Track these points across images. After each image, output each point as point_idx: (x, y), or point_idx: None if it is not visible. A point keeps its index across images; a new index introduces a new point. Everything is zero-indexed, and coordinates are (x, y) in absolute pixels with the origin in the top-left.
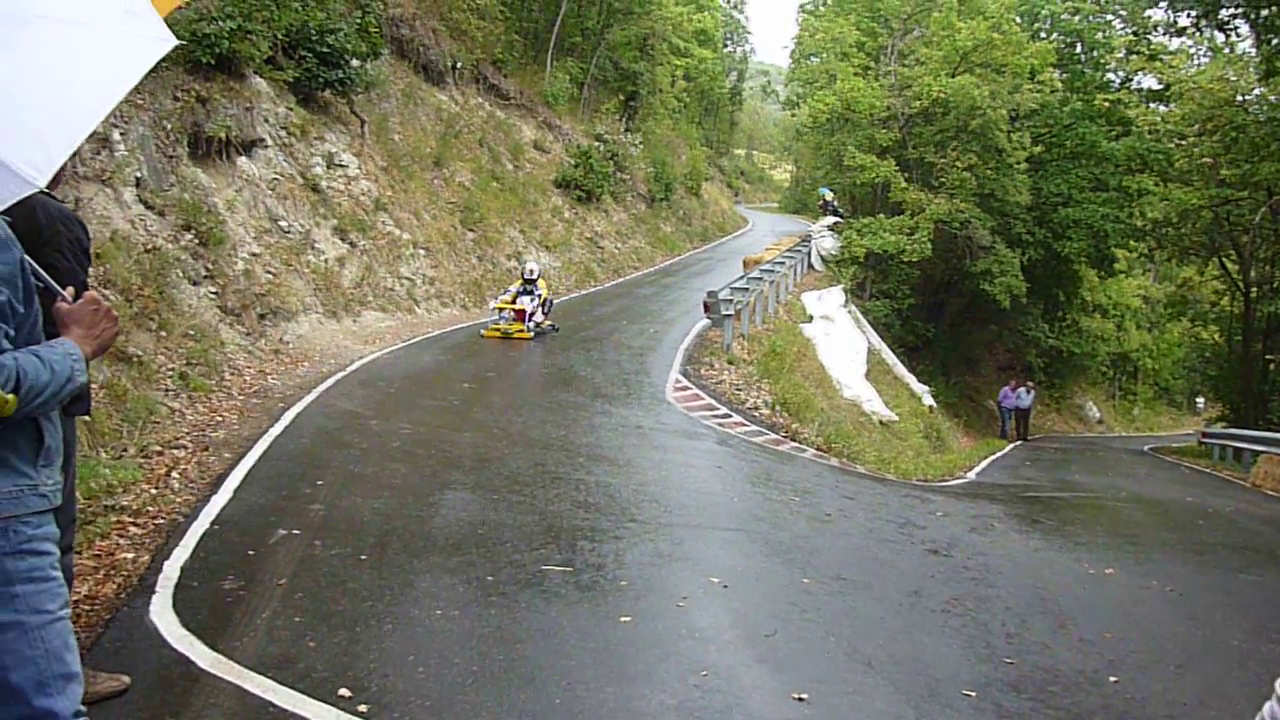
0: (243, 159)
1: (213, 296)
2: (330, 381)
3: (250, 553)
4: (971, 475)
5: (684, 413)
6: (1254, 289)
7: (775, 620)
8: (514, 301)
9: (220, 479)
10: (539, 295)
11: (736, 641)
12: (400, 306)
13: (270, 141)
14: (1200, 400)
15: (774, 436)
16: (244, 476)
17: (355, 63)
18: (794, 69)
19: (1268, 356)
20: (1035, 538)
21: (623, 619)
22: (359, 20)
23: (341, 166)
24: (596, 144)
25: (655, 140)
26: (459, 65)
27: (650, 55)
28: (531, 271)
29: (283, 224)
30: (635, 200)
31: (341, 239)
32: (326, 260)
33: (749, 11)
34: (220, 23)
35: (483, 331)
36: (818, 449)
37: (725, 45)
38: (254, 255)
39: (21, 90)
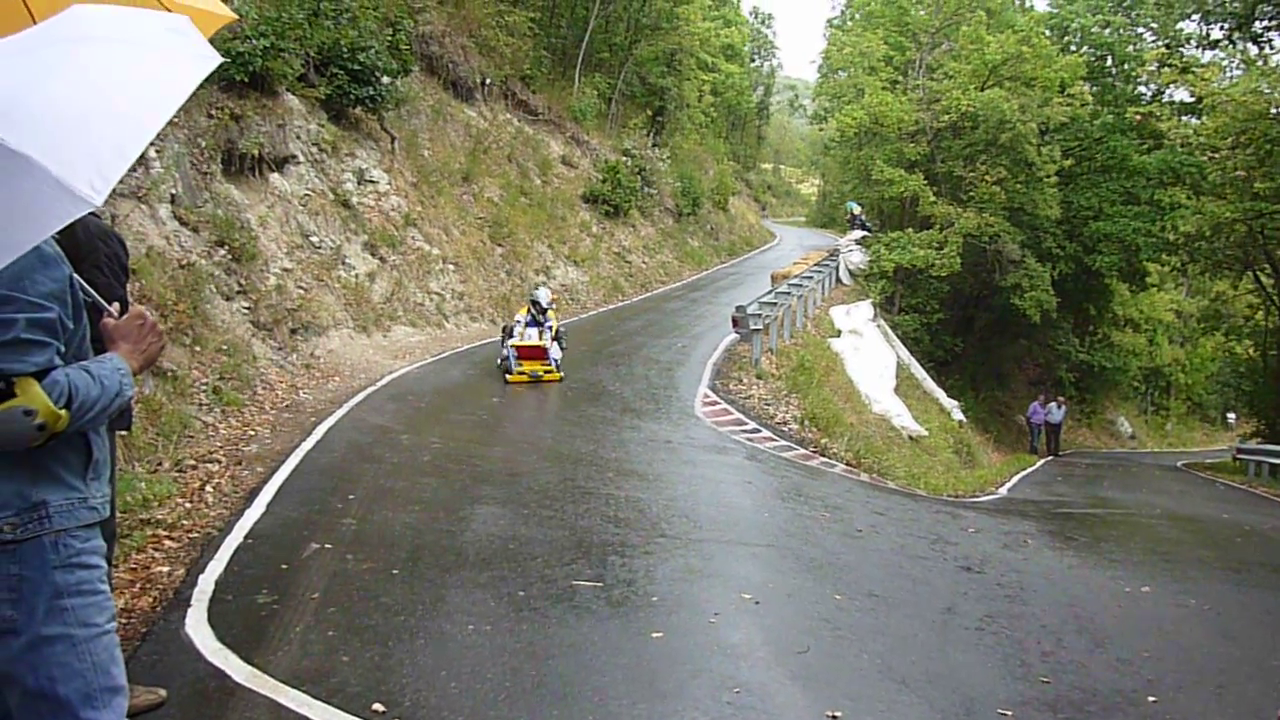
0: (275, 175)
1: (245, 311)
2: (361, 396)
3: (283, 566)
4: (1003, 491)
5: (713, 427)
6: None
7: (807, 637)
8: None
9: (253, 493)
10: (549, 326)
11: (769, 658)
12: (429, 321)
13: (302, 158)
14: (1232, 416)
15: (803, 451)
16: (277, 490)
17: (386, 80)
18: (821, 83)
19: None
20: (1069, 554)
21: (654, 635)
22: (390, 38)
23: (372, 182)
24: (624, 159)
25: (682, 155)
26: (488, 81)
27: (677, 70)
28: (542, 297)
29: (314, 239)
30: (663, 215)
31: (372, 254)
32: (357, 275)
33: (776, 27)
34: (254, 41)
35: (507, 378)
36: (847, 464)
37: (752, 60)
38: (286, 271)
39: (76, 110)
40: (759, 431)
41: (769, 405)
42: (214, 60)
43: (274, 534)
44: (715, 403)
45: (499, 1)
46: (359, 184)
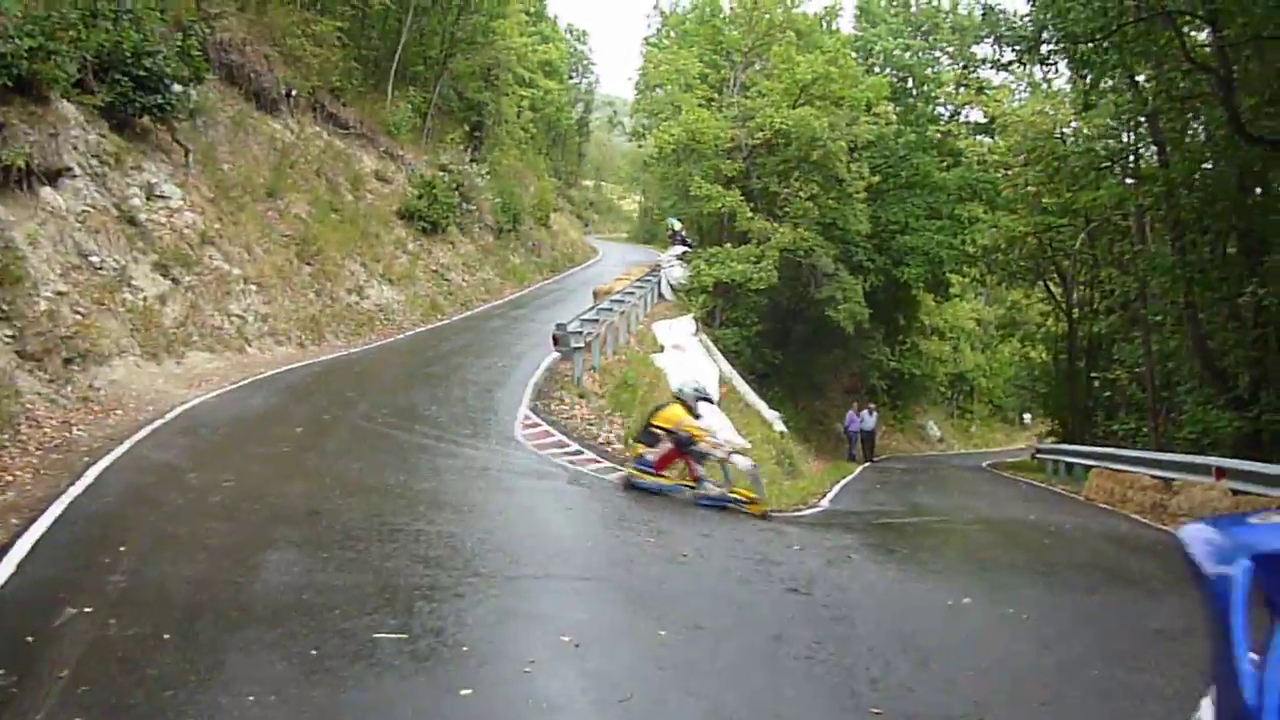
0: (47, 190)
1: (9, 340)
2: (146, 431)
3: (29, 639)
4: (825, 502)
5: (533, 451)
6: (1075, 310)
7: (632, 681)
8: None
9: (2, 551)
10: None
11: (589, 710)
12: (230, 346)
13: (79, 170)
14: (1027, 416)
15: (627, 472)
16: (32, 546)
17: (177, 88)
18: (639, 100)
19: (1091, 374)
20: (891, 568)
21: (463, 692)
22: (180, 43)
23: (163, 198)
24: (441, 174)
25: (502, 171)
26: (294, 93)
27: (495, 85)
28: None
29: (94, 260)
30: (483, 231)
31: (163, 275)
32: (145, 298)
33: (592, 44)
34: (17, 41)
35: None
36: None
37: (571, 77)
38: (59, 294)
39: None
40: (582, 453)
41: (592, 425)
42: None
43: (22, 599)
44: (536, 424)
45: (305, 10)
46: (148, 199)
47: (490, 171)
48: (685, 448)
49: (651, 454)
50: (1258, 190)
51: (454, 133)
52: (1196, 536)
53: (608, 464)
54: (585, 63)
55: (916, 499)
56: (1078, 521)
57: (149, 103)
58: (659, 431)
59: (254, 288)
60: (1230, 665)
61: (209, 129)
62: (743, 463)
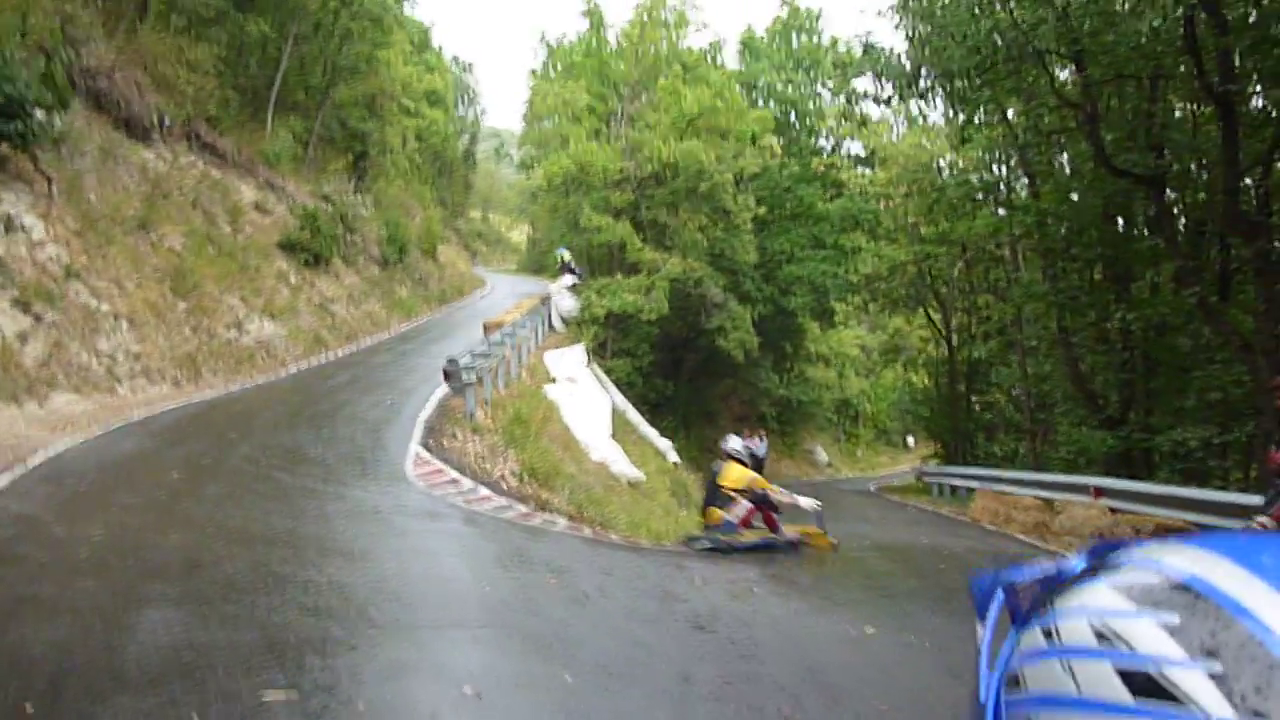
0: None
1: None
2: (3, 480)
3: None
4: None
5: (426, 490)
6: (954, 335)
7: None
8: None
9: None
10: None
11: None
12: (99, 387)
13: None
14: (910, 439)
15: (524, 509)
16: None
17: (39, 114)
18: (527, 132)
19: (971, 397)
20: (794, 599)
21: None
22: (42, 67)
23: (23, 230)
24: (324, 205)
25: (387, 201)
26: (167, 121)
27: (379, 115)
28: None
29: None
30: (368, 263)
31: (24, 311)
32: (3, 336)
33: (478, 75)
34: None
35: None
36: (569, 518)
37: (457, 107)
38: None
39: None
40: (476, 491)
41: (486, 461)
42: None
43: None
44: (429, 463)
45: (178, 36)
46: (6, 231)
47: (375, 202)
48: (762, 502)
49: (733, 515)
50: (1121, 220)
51: (337, 162)
52: (976, 580)
53: (504, 501)
54: (471, 93)
55: (811, 526)
56: (968, 545)
57: (8, 130)
58: (732, 494)
59: (125, 324)
60: (976, 674)
61: (75, 158)
62: (808, 504)
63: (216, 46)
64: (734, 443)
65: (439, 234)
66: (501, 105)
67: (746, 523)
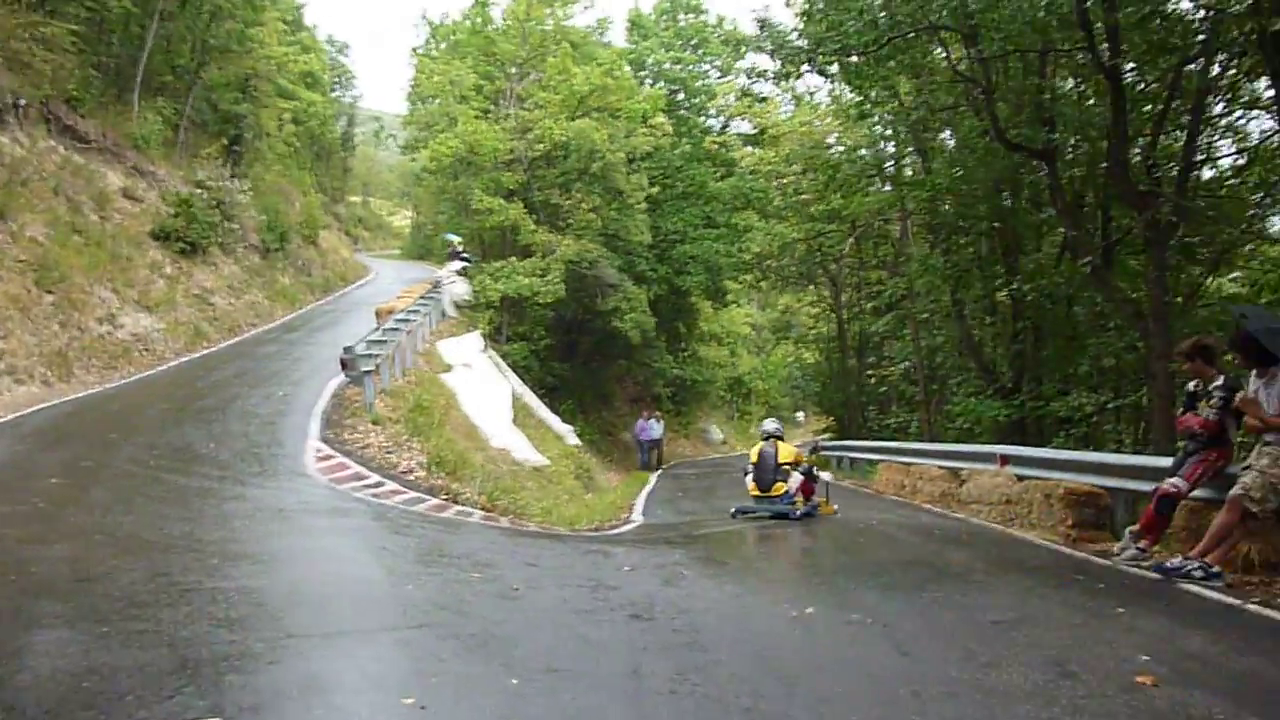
0: None
1: None
2: None
3: None
4: (637, 516)
5: (331, 486)
6: (844, 310)
7: None
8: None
9: None
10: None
11: None
12: None
13: None
14: (800, 414)
15: (435, 502)
16: None
17: None
18: (412, 113)
19: (869, 373)
20: (728, 583)
21: None
22: None
23: None
24: (198, 191)
25: (265, 187)
26: (22, 103)
27: (254, 97)
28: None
29: None
30: (248, 252)
31: None
32: None
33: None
34: None
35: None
36: (483, 509)
37: (333, 89)
38: None
39: None
40: (383, 484)
41: (390, 453)
42: None
43: None
44: (330, 456)
45: (31, 11)
46: None
47: (252, 188)
48: (807, 475)
49: (791, 487)
50: (1007, 195)
51: (210, 147)
52: None
53: (413, 494)
54: (348, 75)
55: (722, 505)
56: (882, 516)
57: None
58: (788, 468)
59: None
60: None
61: None
62: (826, 476)
63: (74, 23)
64: (770, 424)
65: (320, 220)
66: (380, 87)
67: (805, 492)
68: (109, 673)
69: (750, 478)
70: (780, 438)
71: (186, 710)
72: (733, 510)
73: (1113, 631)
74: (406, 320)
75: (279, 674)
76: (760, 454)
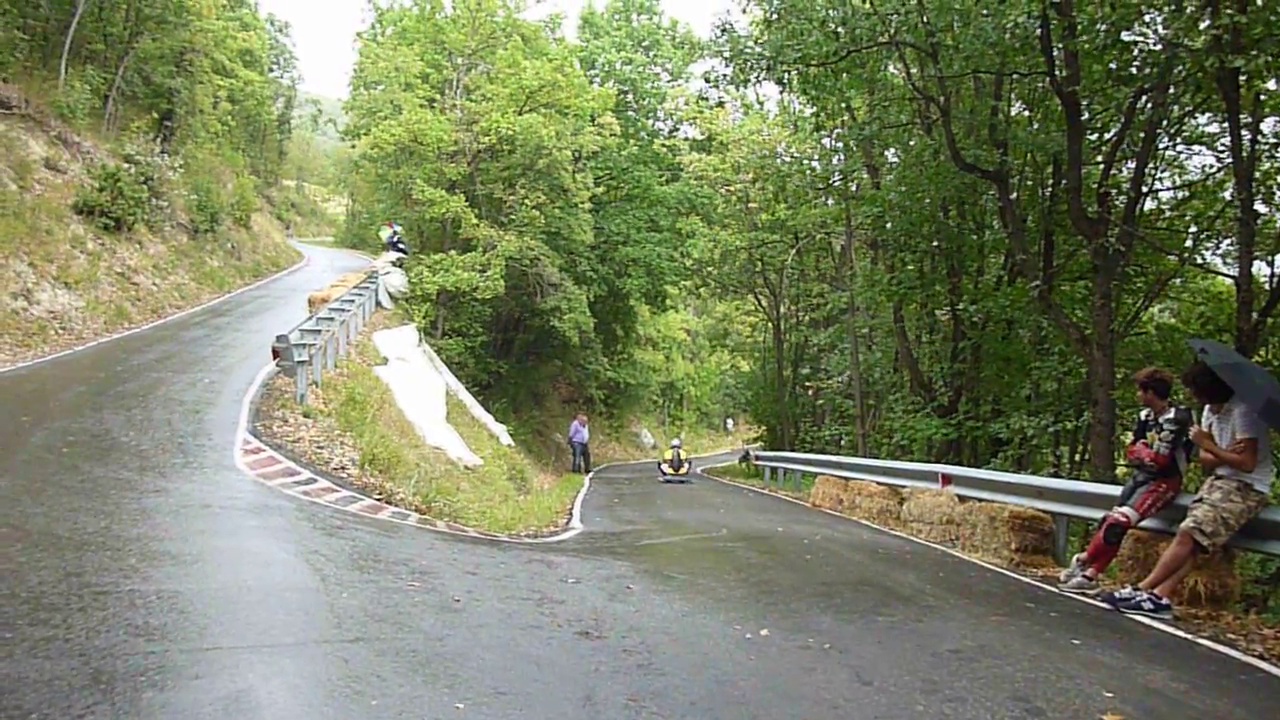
0: None
1: None
2: None
3: None
4: (576, 523)
5: (259, 481)
6: (783, 321)
7: None
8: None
9: None
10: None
11: None
12: None
13: None
14: (730, 422)
15: (369, 502)
16: None
17: None
18: (354, 97)
19: (806, 383)
20: (676, 599)
21: None
22: None
23: None
24: (126, 166)
25: (197, 165)
26: None
27: (189, 72)
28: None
29: None
30: (176, 231)
31: None
32: None
33: (295, 36)
34: None
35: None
36: (419, 511)
37: (272, 70)
38: None
39: None
40: (315, 481)
41: (322, 448)
42: None
43: None
44: (259, 450)
45: None
46: None
47: (184, 165)
48: (689, 464)
49: (687, 470)
50: (955, 215)
51: (141, 121)
52: None
53: (347, 493)
54: (288, 56)
55: (661, 514)
56: (824, 533)
57: None
58: (685, 466)
59: None
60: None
61: None
62: (699, 469)
63: None
64: (675, 442)
65: (253, 202)
66: (319, 71)
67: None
68: (12, 686)
69: (669, 465)
70: (680, 449)
71: None
72: (662, 479)
73: (1073, 665)
74: (341, 310)
75: (202, 691)
76: (674, 455)
